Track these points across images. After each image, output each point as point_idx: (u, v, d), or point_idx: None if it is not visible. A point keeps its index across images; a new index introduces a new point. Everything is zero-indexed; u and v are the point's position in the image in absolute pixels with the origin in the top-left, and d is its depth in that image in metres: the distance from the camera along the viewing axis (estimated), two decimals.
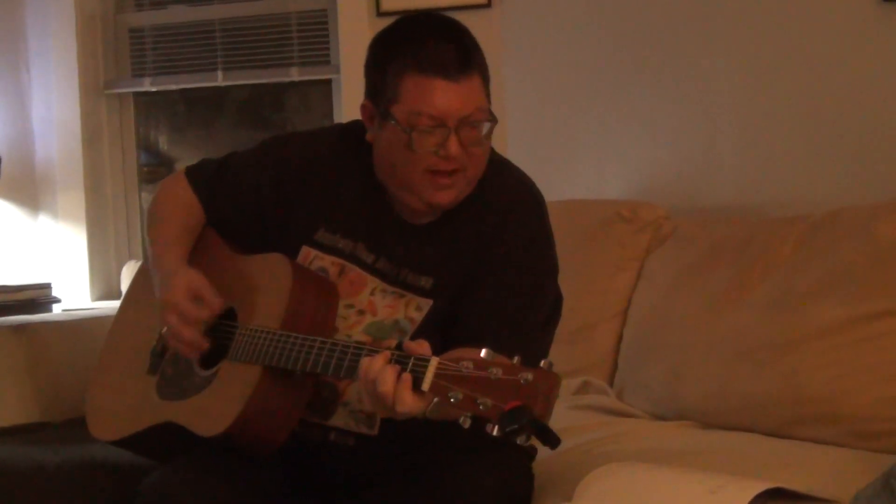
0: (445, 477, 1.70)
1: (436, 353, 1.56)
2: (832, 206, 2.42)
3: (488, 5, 3.22)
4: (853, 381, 2.13)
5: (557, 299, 1.87)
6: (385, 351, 1.56)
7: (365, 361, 1.56)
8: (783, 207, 2.69)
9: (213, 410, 1.78)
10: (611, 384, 2.60)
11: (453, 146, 1.72)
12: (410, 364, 1.51)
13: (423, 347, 1.54)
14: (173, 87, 3.71)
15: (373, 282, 1.85)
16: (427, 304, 1.82)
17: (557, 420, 2.09)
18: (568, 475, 1.85)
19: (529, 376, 1.41)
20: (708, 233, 2.59)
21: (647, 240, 2.71)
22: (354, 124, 1.89)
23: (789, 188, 2.79)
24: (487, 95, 1.78)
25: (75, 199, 3.62)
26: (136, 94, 3.76)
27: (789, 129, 2.83)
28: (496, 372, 1.43)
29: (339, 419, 1.83)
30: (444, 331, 1.79)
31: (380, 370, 1.53)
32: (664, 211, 2.76)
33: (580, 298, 2.50)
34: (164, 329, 1.87)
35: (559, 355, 1.89)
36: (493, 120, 1.76)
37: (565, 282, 1.90)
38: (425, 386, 1.48)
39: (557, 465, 1.93)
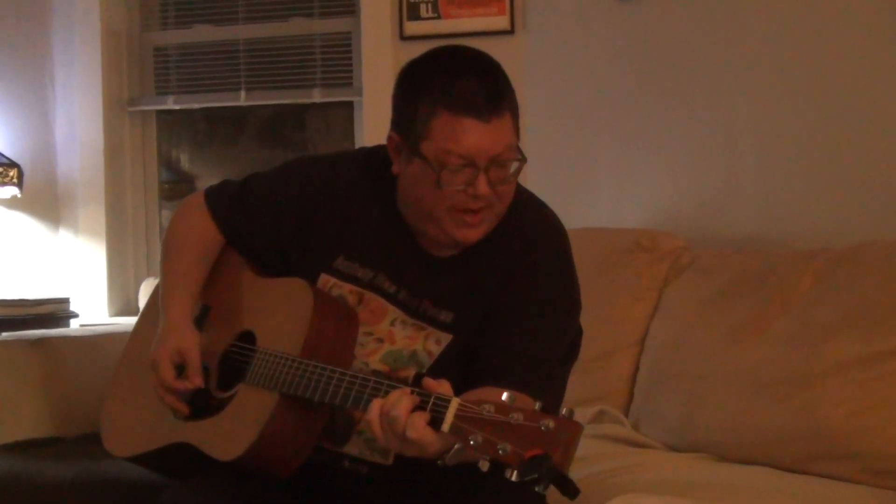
0: None
1: (453, 387, 1.55)
2: (853, 240, 2.41)
3: (511, 32, 3.23)
4: (871, 417, 2.12)
5: (577, 335, 1.86)
6: (405, 388, 1.54)
7: (388, 396, 1.54)
8: (803, 240, 2.68)
9: (228, 435, 1.77)
10: (626, 413, 2.59)
11: (482, 186, 1.70)
12: (431, 403, 1.49)
13: (443, 387, 1.52)
14: (196, 105, 3.73)
15: (394, 312, 1.84)
16: (447, 338, 1.81)
17: None
18: None
19: (551, 424, 1.40)
20: (727, 264, 2.58)
21: (666, 270, 2.70)
22: (378, 150, 1.88)
23: (810, 221, 2.78)
24: (517, 133, 1.75)
25: (96, 214, 3.64)
26: (159, 112, 3.78)
27: (810, 161, 2.82)
28: (517, 417, 1.41)
29: (353, 447, 1.82)
30: (462, 365, 1.78)
31: (397, 398, 1.51)
32: (683, 241, 2.76)
33: (597, 327, 2.48)
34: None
35: (575, 383, 1.90)
36: (523, 159, 1.74)
37: (583, 310, 1.89)
38: (445, 427, 1.46)
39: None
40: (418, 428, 1.48)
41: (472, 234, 1.76)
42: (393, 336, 1.83)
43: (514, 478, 1.39)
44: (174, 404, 1.87)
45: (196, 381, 1.86)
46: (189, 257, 1.98)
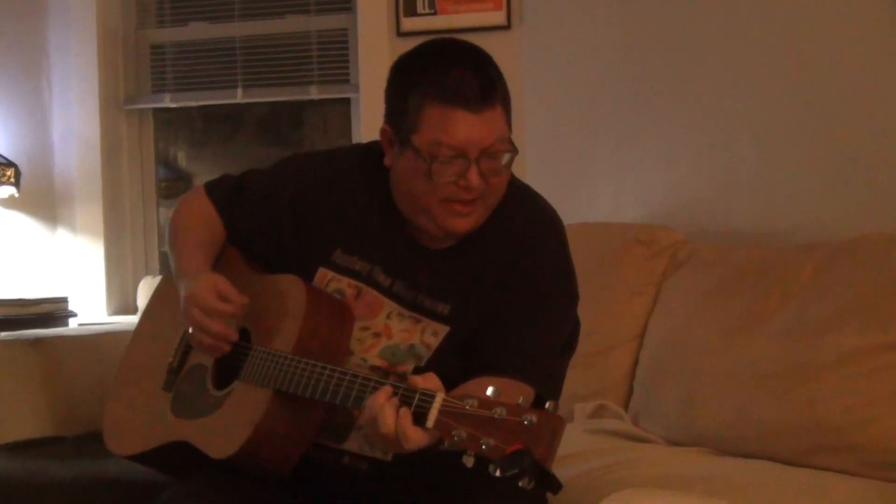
0: (457, 502, 1.68)
1: (451, 380, 1.55)
2: (851, 233, 2.41)
3: (508, 27, 3.23)
4: (870, 410, 2.11)
5: (575, 327, 1.86)
6: (387, 386, 1.56)
7: (370, 399, 1.56)
8: (802, 234, 2.68)
9: (224, 432, 1.77)
10: (626, 408, 2.59)
11: (473, 177, 1.70)
12: (416, 399, 1.50)
13: (429, 381, 1.53)
14: (193, 103, 3.72)
15: (389, 305, 1.84)
16: (444, 330, 1.82)
17: (573, 443, 2.09)
18: (583, 500, 1.84)
19: (534, 418, 1.40)
20: (725, 258, 2.58)
21: (664, 264, 2.70)
22: (375, 145, 1.88)
23: (808, 214, 2.78)
24: (509, 125, 1.75)
25: (93, 213, 3.64)
26: (156, 110, 3.78)
27: (808, 155, 2.82)
28: (500, 412, 1.42)
29: (352, 443, 1.83)
30: (460, 357, 1.79)
31: (380, 408, 1.53)
32: (682, 235, 2.76)
33: (596, 322, 2.49)
34: (189, 328, 1.86)
35: (574, 378, 1.90)
36: (514, 150, 1.74)
37: (582, 305, 1.89)
38: (429, 423, 1.47)
39: (572, 491, 1.91)
40: (411, 437, 1.50)
41: (463, 224, 1.76)
42: (390, 330, 1.83)
43: (497, 473, 1.39)
44: (219, 331, 1.82)
45: (240, 299, 1.82)
46: (199, 235, 1.97)
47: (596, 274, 2.63)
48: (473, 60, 1.74)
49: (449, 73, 1.70)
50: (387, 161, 1.81)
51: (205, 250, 1.95)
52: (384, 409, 1.52)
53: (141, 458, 1.95)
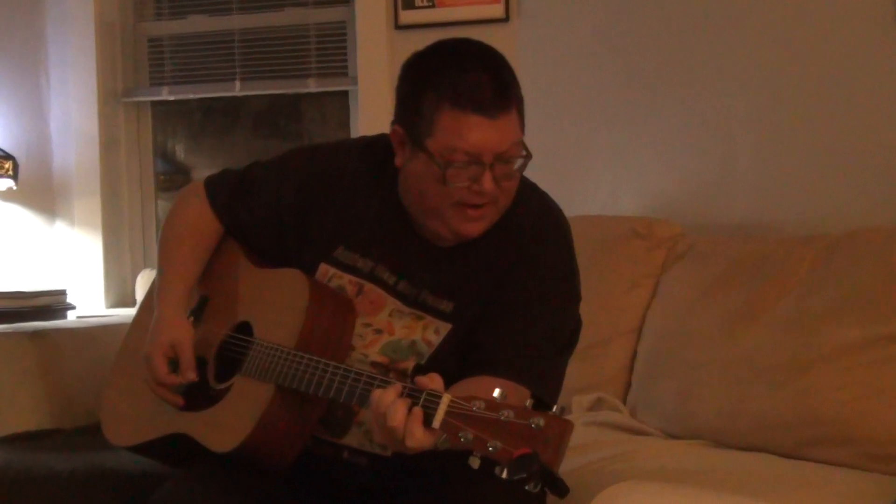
0: (457, 497, 1.69)
1: (451, 377, 1.54)
2: (849, 226, 2.41)
3: (506, 20, 3.22)
4: (867, 403, 2.12)
5: (577, 326, 1.85)
6: (397, 384, 1.55)
7: (377, 393, 1.55)
8: (800, 226, 2.68)
9: (224, 426, 1.78)
10: (624, 401, 2.59)
11: (487, 182, 1.69)
12: (422, 399, 1.50)
13: (435, 382, 1.52)
14: (191, 96, 3.72)
15: (392, 303, 1.83)
16: (446, 327, 1.81)
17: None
18: (580, 493, 1.83)
19: (541, 422, 1.40)
20: (724, 251, 2.58)
21: (663, 257, 2.70)
22: (379, 139, 1.87)
23: (806, 207, 2.78)
24: (522, 128, 1.74)
25: (92, 206, 3.64)
26: (154, 103, 3.78)
27: (807, 148, 2.82)
28: (508, 415, 1.42)
29: (352, 438, 1.82)
30: (461, 355, 1.78)
31: (390, 404, 1.51)
32: (680, 228, 2.76)
33: (594, 314, 2.46)
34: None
35: (572, 371, 1.90)
36: (528, 155, 1.73)
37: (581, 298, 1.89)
38: (436, 423, 1.47)
39: (570, 483, 1.91)
40: (417, 436, 1.49)
41: (475, 228, 1.76)
42: (391, 327, 1.83)
43: (504, 475, 1.39)
44: (167, 397, 1.87)
45: (189, 375, 1.85)
46: (186, 248, 1.98)
47: (594, 267, 2.62)
48: (489, 64, 1.72)
49: (465, 76, 1.68)
50: (397, 161, 1.79)
51: (190, 269, 1.96)
52: (395, 406, 1.50)
53: (140, 449, 1.96)
